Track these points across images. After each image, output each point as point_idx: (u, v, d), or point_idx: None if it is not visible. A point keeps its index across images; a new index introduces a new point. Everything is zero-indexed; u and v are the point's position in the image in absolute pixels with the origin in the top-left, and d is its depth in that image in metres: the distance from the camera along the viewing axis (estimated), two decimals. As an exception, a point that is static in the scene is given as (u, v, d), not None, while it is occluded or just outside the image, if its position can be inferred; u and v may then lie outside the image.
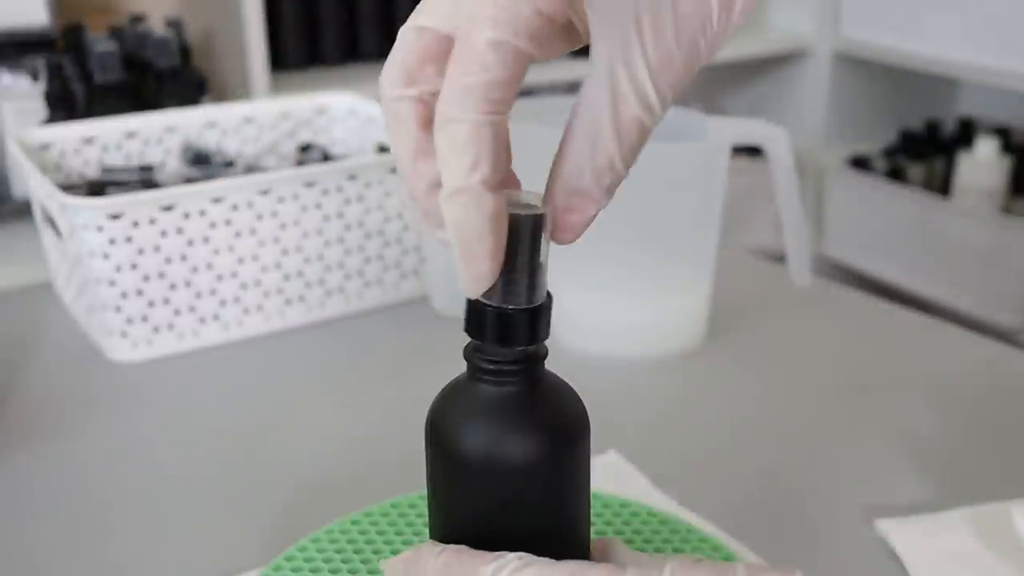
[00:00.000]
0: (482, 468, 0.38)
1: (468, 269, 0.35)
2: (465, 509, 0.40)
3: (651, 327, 0.72)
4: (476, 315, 0.37)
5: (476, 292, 0.35)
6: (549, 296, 0.37)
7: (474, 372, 0.39)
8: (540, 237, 0.35)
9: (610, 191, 0.35)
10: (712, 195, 0.71)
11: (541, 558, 0.37)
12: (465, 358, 0.39)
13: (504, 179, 0.34)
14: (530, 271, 0.36)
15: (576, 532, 0.42)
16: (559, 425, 0.39)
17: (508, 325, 0.36)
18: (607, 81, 0.34)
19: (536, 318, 0.37)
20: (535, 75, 1.63)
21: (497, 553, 0.37)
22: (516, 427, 0.38)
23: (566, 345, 0.72)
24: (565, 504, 0.40)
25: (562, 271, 0.72)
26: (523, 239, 0.35)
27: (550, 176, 0.36)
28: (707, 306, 0.74)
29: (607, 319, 0.72)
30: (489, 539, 0.39)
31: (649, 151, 0.68)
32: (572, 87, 1.75)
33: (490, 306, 0.36)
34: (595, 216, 0.36)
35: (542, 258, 0.36)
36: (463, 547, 0.38)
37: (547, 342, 0.39)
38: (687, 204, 0.70)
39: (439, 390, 0.41)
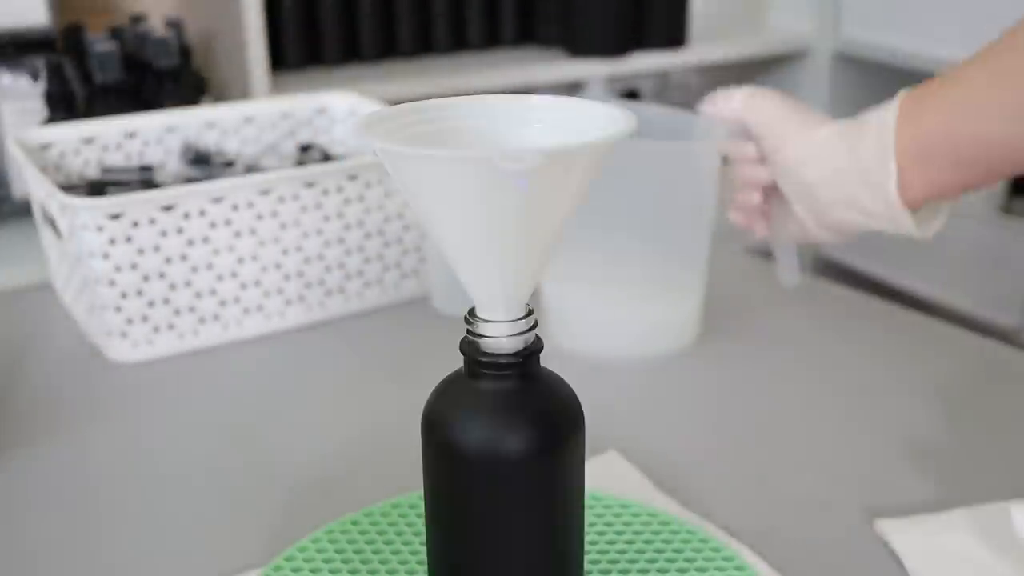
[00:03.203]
0: (480, 462, 0.40)
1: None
2: (461, 502, 0.41)
3: (646, 326, 0.72)
4: None
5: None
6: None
7: (471, 367, 0.40)
8: None
9: None
10: (705, 194, 0.71)
11: None
12: (462, 352, 0.41)
13: None
14: None
15: (574, 528, 0.43)
16: (555, 419, 0.41)
17: None
18: None
19: None
20: (533, 75, 1.63)
21: None
22: (514, 421, 0.40)
23: (561, 344, 0.72)
24: (561, 499, 0.42)
25: (559, 270, 0.72)
26: None
27: None
28: (702, 304, 0.74)
29: (602, 318, 0.72)
30: (487, 535, 0.41)
31: (644, 151, 0.69)
32: (572, 87, 1.75)
33: None
34: None
35: None
36: None
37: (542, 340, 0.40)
38: (681, 203, 0.70)
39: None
